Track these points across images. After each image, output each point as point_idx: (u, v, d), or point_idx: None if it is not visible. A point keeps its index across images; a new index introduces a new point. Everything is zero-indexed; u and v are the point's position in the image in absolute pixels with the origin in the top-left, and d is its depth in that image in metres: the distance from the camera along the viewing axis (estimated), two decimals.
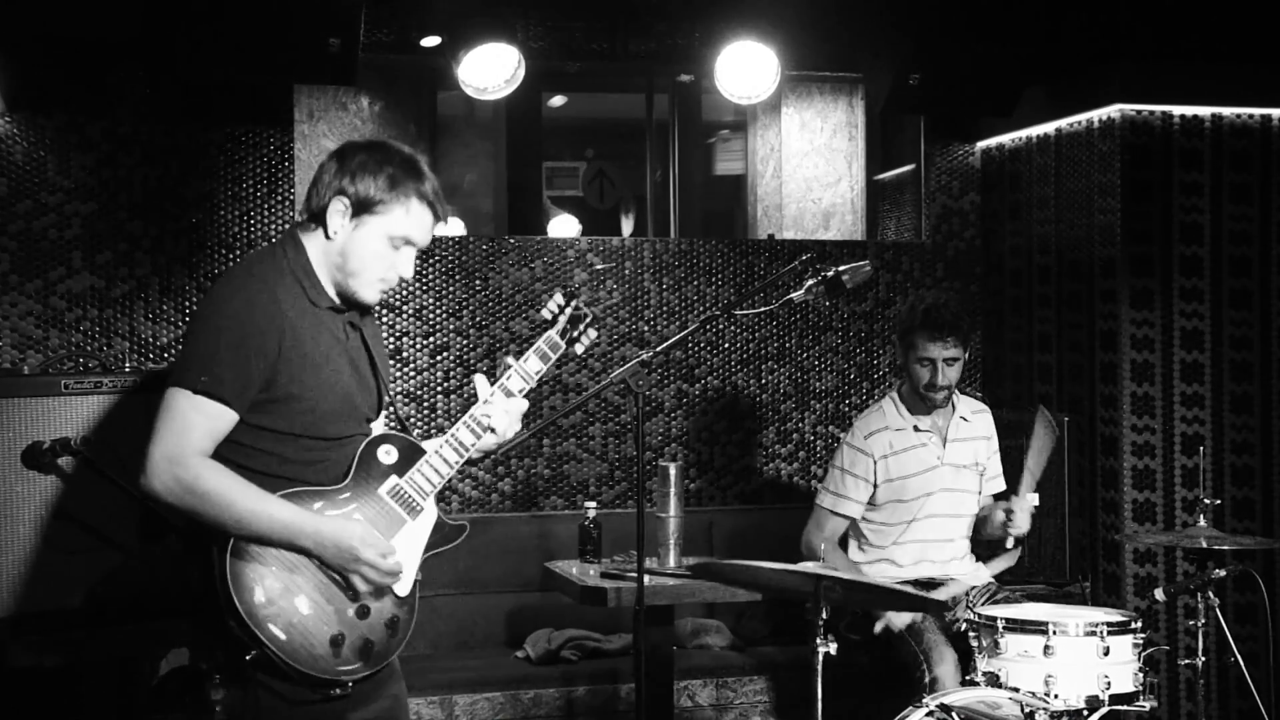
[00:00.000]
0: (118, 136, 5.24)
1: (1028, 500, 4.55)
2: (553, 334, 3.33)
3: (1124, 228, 5.45)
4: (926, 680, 4.28)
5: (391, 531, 3.04)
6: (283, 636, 2.84)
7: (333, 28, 4.80)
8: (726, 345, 5.91)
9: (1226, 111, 5.55)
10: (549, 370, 3.32)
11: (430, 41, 5.57)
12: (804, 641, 3.49)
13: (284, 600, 2.87)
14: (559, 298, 3.35)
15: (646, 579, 3.78)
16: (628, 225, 9.46)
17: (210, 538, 2.87)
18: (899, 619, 4.48)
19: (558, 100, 9.28)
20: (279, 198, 5.44)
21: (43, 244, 5.17)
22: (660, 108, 8.08)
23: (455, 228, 8.32)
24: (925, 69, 5.46)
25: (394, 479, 3.07)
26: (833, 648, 3.45)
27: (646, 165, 8.43)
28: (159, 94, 5.24)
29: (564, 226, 9.16)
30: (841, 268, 4.10)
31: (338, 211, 3.00)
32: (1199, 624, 4.11)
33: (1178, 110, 5.50)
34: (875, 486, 4.69)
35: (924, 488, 4.67)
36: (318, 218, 3.02)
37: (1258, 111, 5.57)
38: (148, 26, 4.92)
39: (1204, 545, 4.10)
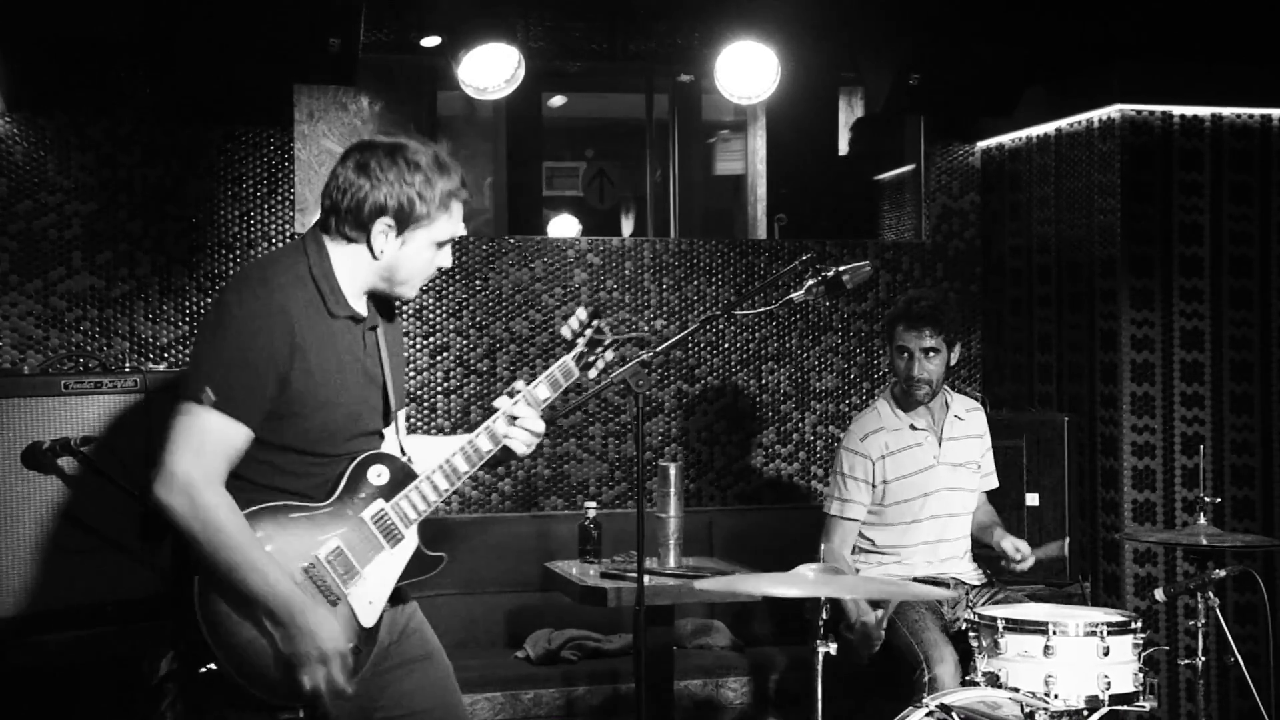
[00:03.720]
0: (118, 136, 5.24)
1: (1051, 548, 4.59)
2: (568, 360, 3.22)
3: (1124, 228, 5.45)
4: (926, 680, 4.28)
5: (367, 558, 2.94)
6: (238, 653, 2.78)
7: (333, 28, 4.80)
8: (726, 345, 5.91)
9: (1226, 111, 5.55)
10: (558, 398, 3.21)
11: (430, 41, 5.57)
12: (804, 641, 3.49)
13: (244, 615, 2.79)
14: (581, 314, 3.23)
15: (646, 579, 3.78)
16: (628, 225, 9.46)
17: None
18: (869, 618, 4.43)
19: (558, 100, 9.28)
20: (279, 198, 5.44)
21: (43, 244, 5.17)
22: (660, 108, 8.08)
23: None
24: (925, 69, 5.45)
25: (380, 503, 2.98)
26: (833, 648, 3.45)
27: (646, 165, 8.43)
28: (159, 94, 5.24)
29: (564, 226, 9.16)
30: (841, 268, 4.09)
31: (381, 233, 2.91)
32: (1199, 624, 4.11)
33: (1178, 110, 5.50)
34: (874, 488, 4.69)
35: (922, 487, 4.67)
36: (352, 234, 2.91)
37: (1258, 111, 5.57)
38: (148, 26, 4.92)
39: (1204, 545, 4.10)
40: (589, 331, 3.23)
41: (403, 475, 3.02)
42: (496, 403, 3.15)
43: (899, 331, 4.65)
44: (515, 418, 3.12)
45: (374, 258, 2.93)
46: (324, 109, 7.07)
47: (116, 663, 3.77)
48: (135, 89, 5.23)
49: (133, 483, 3.61)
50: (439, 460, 3.06)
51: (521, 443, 3.13)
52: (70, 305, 5.20)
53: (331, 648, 2.82)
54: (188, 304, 5.32)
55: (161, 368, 5.05)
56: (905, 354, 4.64)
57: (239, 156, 5.39)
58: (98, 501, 3.67)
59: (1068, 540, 4.65)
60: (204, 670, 2.77)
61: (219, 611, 2.78)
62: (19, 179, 5.15)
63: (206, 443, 2.76)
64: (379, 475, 2.99)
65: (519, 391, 3.14)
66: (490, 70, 5.32)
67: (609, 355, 3.28)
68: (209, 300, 5.35)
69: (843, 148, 7.41)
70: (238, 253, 5.39)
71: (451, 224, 2.98)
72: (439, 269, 3.03)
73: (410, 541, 3.02)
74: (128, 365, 5.14)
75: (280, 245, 5.43)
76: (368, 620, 2.96)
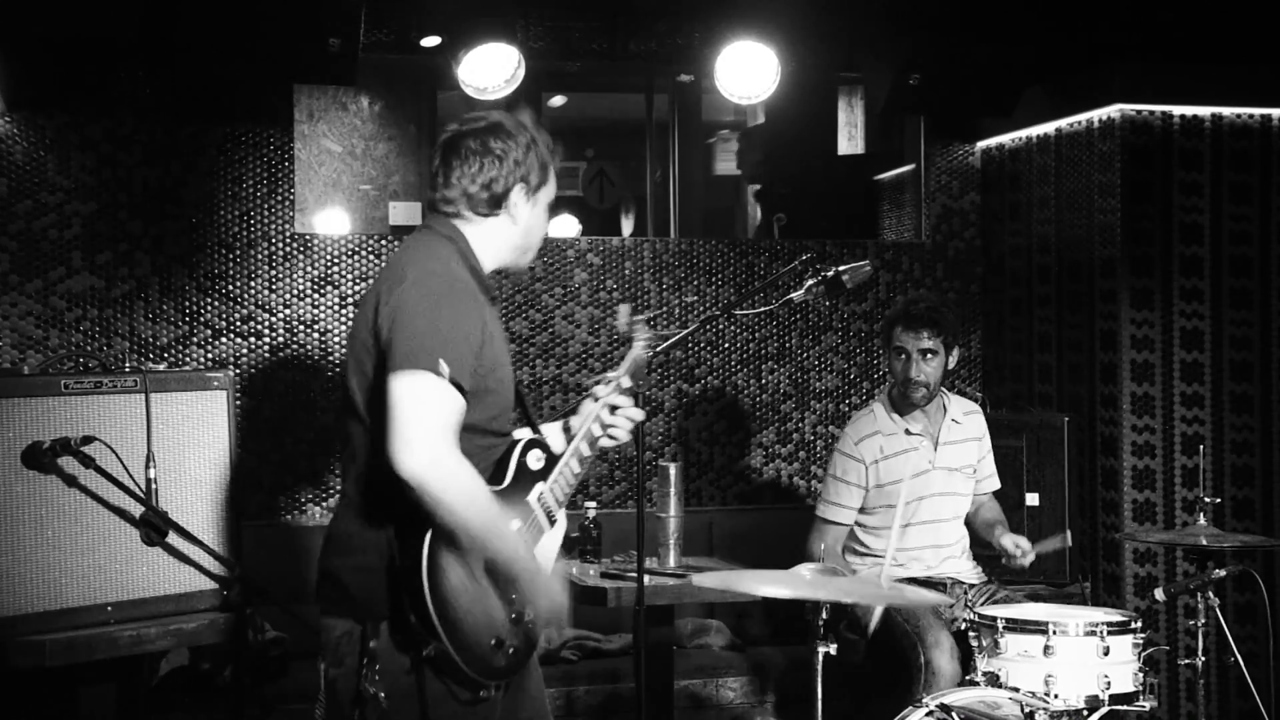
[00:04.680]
0: (118, 136, 5.24)
1: (1050, 543, 4.60)
2: (639, 350, 3.41)
3: (1124, 228, 5.45)
4: (921, 663, 4.27)
5: (537, 541, 3.04)
6: (460, 633, 2.81)
7: (333, 28, 4.80)
8: (726, 345, 5.91)
9: (1226, 111, 5.55)
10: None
11: (430, 41, 5.57)
12: (804, 641, 3.49)
13: (466, 599, 2.84)
14: (625, 310, 3.46)
15: (646, 579, 3.78)
16: (628, 225, 9.47)
17: (404, 530, 2.81)
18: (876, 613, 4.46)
19: (558, 100, 9.29)
20: (279, 198, 5.44)
21: (43, 244, 5.17)
22: (660, 108, 8.09)
23: None
24: (925, 69, 5.45)
25: (540, 486, 3.06)
26: (833, 648, 3.45)
27: (646, 165, 8.44)
28: (159, 94, 5.24)
29: (564, 226, 9.16)
30: (841, 268, 4.10)
31: (517, 202, 3.05)
32: (1199, 624, 4.11)
33: (1178, 110, 5.50)
34: (866, 491, 4.68)
35: (916, 492, 4.66)
36: (487, 210, 3.03)
37: (1258, 111, 5.57)
38: (148, 26, 4.92)
39: (1204, 545, 4.10)
40: (639, 325, 3.42)
41: (551, 459, 3.11)
42: (596, 390, 3.27)
43: (897, 333, 4.64)
44: (616, 406, 3.25)
45: (514, 225, 3.07)
46: (324, 109, 7.08)
47: (116, 663, 3.77)
48: (135, 89, 5.23)
49: (133, 483, 3.61)
50: (562, 446, 3.17)
51: (625, 430, 3.26)
52: (70, 305, 5.20)
53: (561, 604, 2.98)
54: (188, 304, 5.32)
55: (161, 368, 5.05)
56: (903, 355, 4.63)
57: (239, 156, 5.39)
58: (98, 501, 3.66)
59: (1069, 534, 4.65)
60: (426, 652, 2.79)
61: (447, 588, 2.80)
62: (19, 179, 5.15)
63: (444, 412, 2.80)
64: (538, 459, 3.07)
65: (612, 379, 3.28)
66: (490, 70, 5.32)
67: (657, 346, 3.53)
68: (208, 299, 5.35)
69: (843, 147, 7.43)
70: (238, 253, 5.38)
71: (554, 182, 3.15)
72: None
73: (562, 523, 3.12)
74: (128, 365, 5.13)
75: (284, 245, 5.44)
76: None
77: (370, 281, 5.50)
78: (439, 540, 2.80)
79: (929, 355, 4.61)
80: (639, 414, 3.29)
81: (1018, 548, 4.55)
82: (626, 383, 3.30)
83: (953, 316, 4.76)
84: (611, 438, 3.26)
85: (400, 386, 2.78)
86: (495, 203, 3.03)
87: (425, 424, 2.75)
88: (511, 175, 3.03)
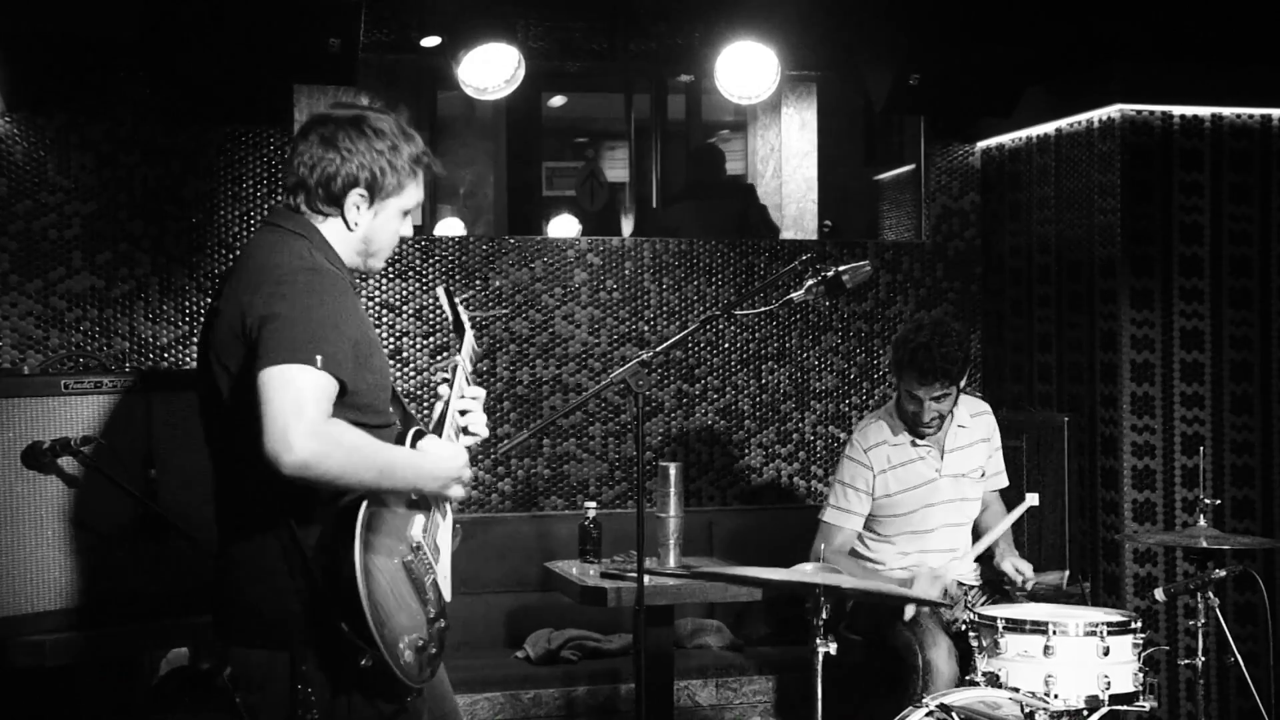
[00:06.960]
0: (118, 136, 5.24)
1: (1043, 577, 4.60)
2: (470, 338, 3.24)
3: (1124, 228, 5.45)
4: (920, 663, 4.27)
5: (439, 532, 2.95)
6: (391, 639, 2.71)
7: (333, 28, 4.80)
8: (726, 345, 5.91)
9: (1226, 111, 5.55)
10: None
11: (430, 41, 5.57)
12: (804, 641, 3.49)
13: (393, 603, 2.75)
14: (443, 293, 3.26)
15: (646, 579, 3.78)
16: (628, 225, 9.46)
17: (330, 540, 2.70)
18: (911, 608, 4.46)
19: (558, 100, 9.29)
20: (279, 198, 5.44)
21: (43, 244, 5.17)
22: (660, 108, 8.08)
23: (455, 228, 8.33)
24: (925, 69, 5.45)
25: None
26: (833, 648, 3.46)
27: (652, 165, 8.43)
28: (159, 94, 5.24)
29: (564, 226, 9.16)
30: (841, 268, 4.09)
31: (354, 205, 2.88)
32: (1199, 624, 4.11)
33: (1178, 110, 5.50)
34: (874, 499, 4.68)
35: (923, 500, 4.66)
36: (325, 208, 2.88)
37: (1258, 111, 5.57)
38: (148, 26, 4.92)
39: (1204, 545, 4.10)
40: (460, 308, 3.25)
41: None
42: (440, 390, 3.10)
43: (909, 381, 4.54)
44: (466, 399, 3.11)
45: (349, 230, 2.90)
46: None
47: (116, 663, 3.77)
48: (135, 89, 5.23)
49: (133, 483, 3.61)
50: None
51: (483, 424, 3.10)
52: (70, 305, 5.20)
53: (464, 464, 2.91)
54: (188, 304, 5.32)
55: (162, 368, 5.05)
56: (915, 402, 4.58)
57: (239, 156, 5.39)
58: (98, 501, 3.67)
59: (1067, 574, 4.65)
60: (364, 662, 2.67)
61: (379, 594, 2.70)
62: (19, 179, 5.15)
63: (316, 397, 2.63)
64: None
65: (457, 367, 3.11)
66: (490, 70, 5.32)
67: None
68: (208, 299, 5.35)
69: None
70: (238, 253, 5.38)
71: (417, 192, 2.95)
72: (401, 238, 2.99)
73: (450, 513, 3.02)
74: (128, 365, 5.14)
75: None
76: (449, 594, 2.97)
77: (359, 283, 5.50)
78: (367, 546, 2.68)
79: (942, 398, 4.57)
80: (481, 405, 3.13)
81: (1018, 574, 4.54)
82: (468, 368, 3.17)
83: (962, 353, 4.55)
84: (472, 433, 3.10)
85: (268, 381, 2.61)
86: (331, 200, 2.87)
87: (293, 409, 2.59)
88: (351, 176, 2.85)
